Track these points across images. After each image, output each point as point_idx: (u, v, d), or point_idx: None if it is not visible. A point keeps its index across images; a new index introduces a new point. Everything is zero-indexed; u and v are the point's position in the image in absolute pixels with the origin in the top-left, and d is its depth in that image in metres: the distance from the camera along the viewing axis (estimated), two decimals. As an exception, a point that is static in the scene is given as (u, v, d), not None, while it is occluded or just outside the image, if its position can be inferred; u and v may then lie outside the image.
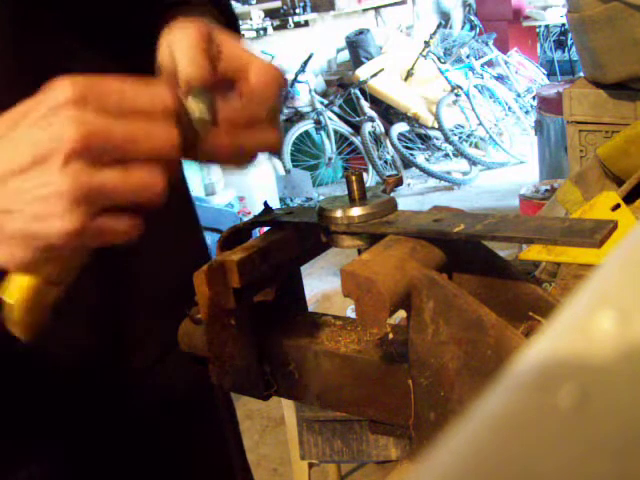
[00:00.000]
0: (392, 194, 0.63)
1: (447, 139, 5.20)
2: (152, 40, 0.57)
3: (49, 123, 0.43)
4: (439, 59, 5.63)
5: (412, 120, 5.34)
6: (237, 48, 0.56)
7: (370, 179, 4.90)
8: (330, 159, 5.01)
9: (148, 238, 0.73)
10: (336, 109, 5.12)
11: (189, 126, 0.51)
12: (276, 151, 0.70)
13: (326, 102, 5.10)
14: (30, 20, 0.62)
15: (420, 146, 5.42)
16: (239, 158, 0.57)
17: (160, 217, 0.75)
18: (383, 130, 5.12)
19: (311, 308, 0.79)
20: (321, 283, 3.31)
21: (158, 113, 0.45)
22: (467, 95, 5.33)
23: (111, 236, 0.45)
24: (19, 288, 0.47)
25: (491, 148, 5.45)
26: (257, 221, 0.68)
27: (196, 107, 0.52)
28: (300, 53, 5.16)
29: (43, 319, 0.49)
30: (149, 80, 0.47)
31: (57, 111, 0.43)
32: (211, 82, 0.52)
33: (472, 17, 6.92)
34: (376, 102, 5.32)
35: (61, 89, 0.43)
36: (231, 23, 0.73)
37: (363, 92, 5.21)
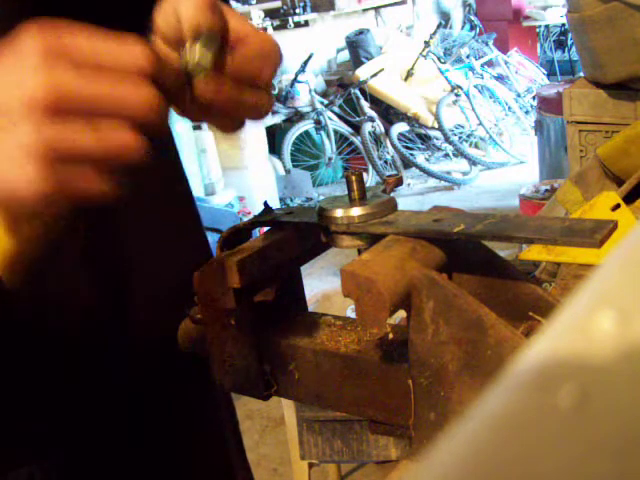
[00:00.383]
0: (392, 194, 0.63)
1: (447, 139, 5.20)
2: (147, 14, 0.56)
3: (16, 76, 0.41)
4: (439, 59, 5.63)
5: (412, 120, 5.34)
6: (239, 19, 0.55)
7: (370, 179, 4.90)
8: (330, 159, 5.01)
9: (149, 237, 0.73)
10: (336, 109, 5.12)
11: (180, 77, 0.50)
12: (266, 114, 0.68)
13: (326, 102, 5.10)
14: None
15: (420, 146, 5.42)
16: (233, 113, 0.55)
17: (161, 216, 0.75)
18: (383, 130, 5.12)
19: (311, 308, 0.79)
20: (321, 283, 3.31)
21: (132, 72, 0.44)
22: (467, 95, 5.33)
23: (86, 195, 0.44)
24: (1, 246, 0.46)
25: (491, 148, 5.45)
26: (257, 221, 0.68)
27: (199, 52, 0.50)
28: (300, 53, 5.16)
29: (26, 273, 0.49)
30: (126, 37, 0.45)
31: (25, 63, 0.41)
32: (217, 29, 0.50)
33: (472, 17, 6.92)
34: (376, 102, 5.32)
35: (30, 40, 0.42)
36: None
37: (363, 92, 5.21)
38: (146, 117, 0.44)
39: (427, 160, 5.31)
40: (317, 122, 4.95)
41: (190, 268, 0.63)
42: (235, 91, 0.53)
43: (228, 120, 0.56)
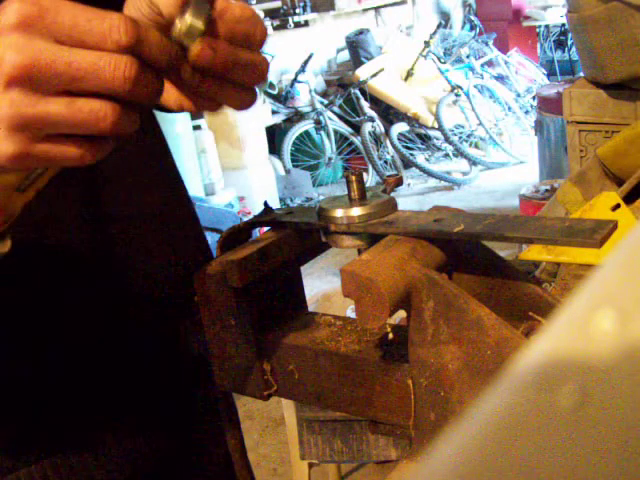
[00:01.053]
0: (392, 194, 0.63)
1: (447, 139, 5.20)
2: None
3: None
4: (439, 59, 5.63)
5: (412, 120, 5.34)
6: None
7: (370, 179, 4.90)
8: (330, 159, 5.01)
9: (147, 238, 0.73)
10: (336, 109, 5.12)
11: (172, 48, 0.49)
12: (263, 78, 0.65)
13: (326, 102, 5.10)
14: None
15: (420, 146, 5.42)
16: (232, 75, 0.53)
17: (158, 217, 0.74)
18: (383, 130, 5.12)
19: (311, 308, 0.79)
20: (321, 283, 3.31)
21: (112, 44, 0.44)
22: (467, 95, 5.33)
23: (60, 160, 0.45)
24: None
25: (491, 148, 5.45)
26: (257, 221, 0.68)
27: (190, 18, 0.50)
28: (300, 53, 5.16)
29: (10, 223, 0.49)
30: (107, 11, 0.45)
31: (3, 33, 0.42)
32: None
33: (472, 17, 6.91)
34: (376, 102, 5.32)
35: (11, 10, 0.42)
36: None
37: (363, 92, 5.21)
38: (123, 87, 0.44)
39: (427, 160, 5.31)
40: (317, 122, 4.95)
41: (190, 269, 0.63)
42: (231, 52, 0.52)
43: (229, 91, 0.54)
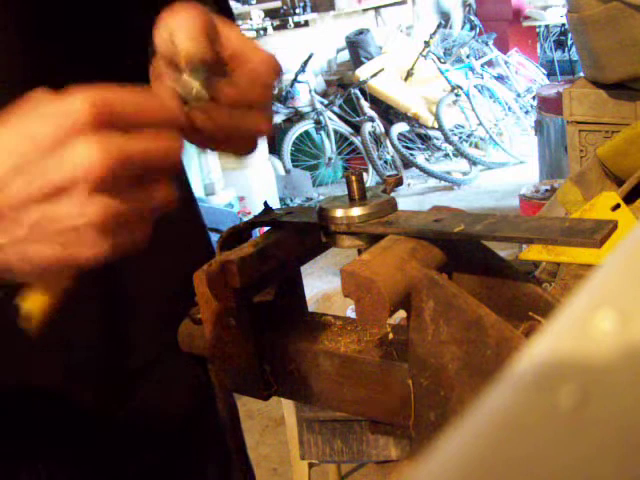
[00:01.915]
0: (392, 194, 0.63)
1: (447, 139, 5.20)
2: (148, 32, 0.57)
3: (67, 147, 0.41)
4: (439, 59, 5.63)
5: (412, 120, 5.34)
6: (236, 35, 0.55)
7: (370, 179, 4.90)
8: (330, 159, 5.01)
9: (151, 239, 0.73)
10: (336, 109, 5.11)
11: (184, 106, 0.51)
12: (267, 134, 0.69)
13: (326, 102, 5.10)
14: (37, 25, 0.62)
15: (420, 146, 5.42)
16: (235, 141, 0.56)
17: (163, 217, 0.75)
18: (383, 130, 5.12)
19: (311, 308, 0.79)
20: (321, 283, 3.31)
21: (168, 124, 0.45)
22: (467, 95, 5.33)
23: (130, 249, 0.45)
24: (38, 300, 0.48)
25: (491, 148, 5.45)
26: (257, 221, 0.68)
27: (194, 84, 0.51)
28: (300, 53, 5.16)
29: (53, 315, 0.50)
30: (151, 90, 0.47)
31: (74, 132, 0.41)
32: (210, 60, 0.51)
33: (472, 17, 6.91)
34: (376, 102, 5.32)
35: (76, 106, 0.42)
36: (227, 12, 0.73)
37: (363, 92, 5.20)
38: (176, 162, 0.46)
39: (427, 160, 5.31)
40: (317, 122, 4.95)
41: (193, 269, 0.64)
42: (232, 119, 0.53)
43: (234, 145, 0.56)
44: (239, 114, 0.54)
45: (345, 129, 5.12)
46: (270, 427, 2.53)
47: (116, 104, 0.43)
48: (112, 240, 0.43)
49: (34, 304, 0.48)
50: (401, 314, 0.56)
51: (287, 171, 4.74)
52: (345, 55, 5.93)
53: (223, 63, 0.53)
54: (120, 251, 0.45)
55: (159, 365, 0.75)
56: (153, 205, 0.45)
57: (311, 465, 1.86)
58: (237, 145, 0.57)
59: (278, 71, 0.56)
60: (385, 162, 5.03)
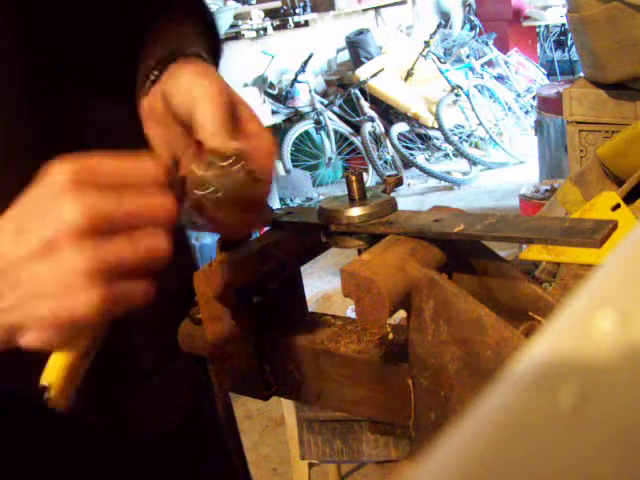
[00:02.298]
0: (392, 194, 0.63)
1: (447, 139, 5.20)
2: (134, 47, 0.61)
3: (53, 207, 0.44)
4: (439, 59, 5.62)
5: (412, 120, 5.33)
6: (249, 112, 0.59)
7: (370, 179, 4.90)
8: (330, 159, 5.01)
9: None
10: (336, 109, 5.11)
11: (183, 187, 0.52)
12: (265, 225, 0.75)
13: (326, 102, 5.09)
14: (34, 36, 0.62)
15: (420, 146, 5.42)
16: (233, 233, 0.60)
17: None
18: (383, 130, 5.12)
19: (311, 308, 0.79)
20: (321, 283, 3.31)
21: (151, 185, 0.48)
22: (467, 95, 5.33)
23: (132, 301, 0.47)
24: (55, 367, 0.49)
25: (491, 148, 5.45)
26: (257, 221, 0.68)
27: (212, 180, 0.52)
28: (300, 53, 5.16)
29: (78, 386, 0.51)
30: (138, 154, 0.49)
31: (58, 194, 0.44)
32: (231, 154, 0.53)
33: (472, 17, 6.91)
34: (376, 102, 5.32)
35: (58, 172, 0.45)
36: (212, 30, 0.75)
37: (363, 92, 5.20)
38: (169, 219, 0.48)
39: (427, 160, 5.31)
40: (317, 122, 4.95)
41: (181, 285, 0.65)
42: (237, 217, 0.56)
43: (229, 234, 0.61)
44: (243, 213, 0.56)
45: (345, 129, 5.12)
46: (270, 427, 2.53)
47: (94, 167, 0.46)
48: (107, 290, 0.45)
49: (51, 372, 0.49)
50: (401, 314, 0.56)
51: (287, 171, 4.74)
52: (345, 55, 5.93)
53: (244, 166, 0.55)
54: (124, 304, 0.47)
55: (160, 367, 0.75)
56: (145, 255, 0.47)
57: (311, 465, 1.86)
58: (228, 234, 0.61)
59: (275, 155, 0.60)
60: (385, 162, 5.03)
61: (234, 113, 0.57)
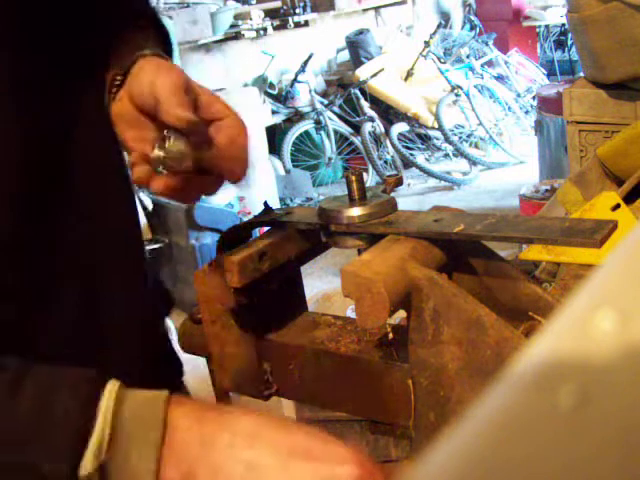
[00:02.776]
0: (392, 194, 0.63)
1: (447, 139, 5.19)
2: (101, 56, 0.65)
3: None
4: (439, 59, 5.62)
5: (412, 120, 5.33)
6: (211, 97, 0.63)
7: (370, 179, 4.89)
8: (330, 159, 5.01)
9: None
10: (336, 109, 5.11)
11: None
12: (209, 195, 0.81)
13: (326, 102, 5.09)
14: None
15: (420, 146, 5.42)
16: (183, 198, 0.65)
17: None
18: (383, 130, 5.12)
19: (311, 308, 0.79)
20: (321, 283, 3.31)
21: None
22: (467, 95, 5.33)
23: None
24: None
25: (491, 148, 5.45)
26: (257, 221, 0.68)
27: (174, 145, 0.58)
28: (300, 53, 5.16)
29: None
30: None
31: None
32: (196, 126, 0.58)
33: (472, 17, 6.91)
34: (376, 102, 5.32)
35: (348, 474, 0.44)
36: (166, 39, 0.79)
37: (363, 92, 5.20)
38: None
39: (427, 160, 5.30)
40: (317, 122, 4.95)
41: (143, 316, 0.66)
42: (187, 186, 0.61)
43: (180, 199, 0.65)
44: (196, 180, 0.62)
45: (345, 129, 5.12)
46: (270, 427, 2.53)
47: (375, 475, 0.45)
48: None
49: None
50: (401, 314, 0.56)
51: (287, 171, 4.74)
52: (345, 55, 5.93)
53: (205, 128, 0.61)
54: None
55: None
56: None
57: (311, 465, 1.86)
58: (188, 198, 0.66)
59: (247, 135, 0.64)
60: (385, 162, 5.03)
61: (195, 97, 0.61)
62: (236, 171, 0.63)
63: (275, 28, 5.06)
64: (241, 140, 0.63)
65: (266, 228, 0.67)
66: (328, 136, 4.97)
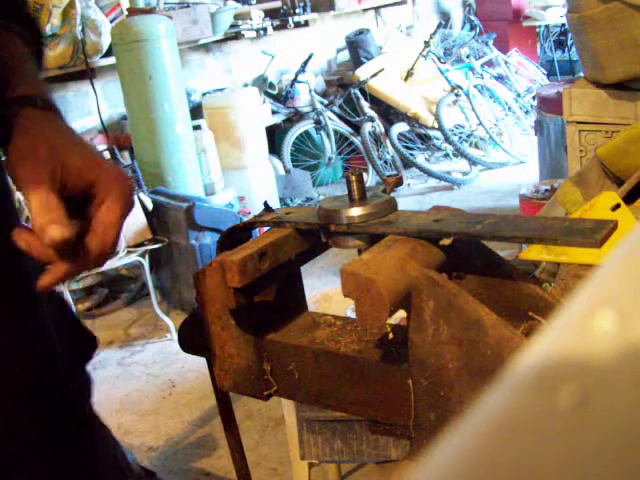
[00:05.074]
0: (392, 194, 0.63)
1: (447, 139, 5.20)
2: None
3: None
4: (439, 59, 5.62)
5: (412, 120, 5.33)
6: (86, 163, 0.61)
7: (370, 179, 4.89)
8: (330, 159, 5.01)
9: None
10: (336, 109, 5.11)
11: None
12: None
13: (326, 102, 5.09)
14: None
15: (420, 146, 5.42)
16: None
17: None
18: (383, 130, 5.12)
19: (311, 308, 0.79)
20: (321, 283, 3.31)
21: None
22: (467, 95, 5.33)
23: None
24: None
25: (491, 148, 5.45)
26: (257, 221, 0.68)
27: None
28: (300, 53, 5.16)
29: None
30: None
31: None
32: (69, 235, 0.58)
33: (472, 17, 6.91)
34: (376, 102, 5.32)
35: None
36: (36, 38, 0.79)
37: (363, 92, 5.20)
38: None
39: (427, 160, 5.31)
40: (317, 122, 4.95)
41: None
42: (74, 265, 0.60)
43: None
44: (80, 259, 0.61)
45: (345, 129, 5.12)
46: (270, 427, 2.53)
47: None
48: None
49: None
50: (401, 314, 0.56)
51: (287, 171, 4.74)
52: (345, 55, 5.93)
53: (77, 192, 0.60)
54: None
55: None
56: None
57: (311, 465, 1.86)
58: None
59: (130, 191, 0.62)
60: (385, 162, 5.03)
61: (62, 166, 0.60)
62: (99, 262, 0.62)
63: (275, 28, 5.06)
64: (109, 235, 0.60)
65: (266, 228, 0.67)
66: (328, 136, 4.97)
